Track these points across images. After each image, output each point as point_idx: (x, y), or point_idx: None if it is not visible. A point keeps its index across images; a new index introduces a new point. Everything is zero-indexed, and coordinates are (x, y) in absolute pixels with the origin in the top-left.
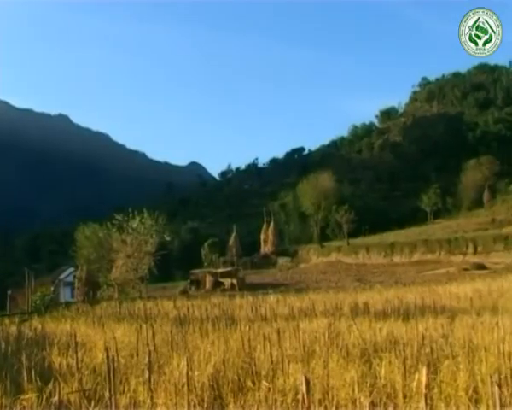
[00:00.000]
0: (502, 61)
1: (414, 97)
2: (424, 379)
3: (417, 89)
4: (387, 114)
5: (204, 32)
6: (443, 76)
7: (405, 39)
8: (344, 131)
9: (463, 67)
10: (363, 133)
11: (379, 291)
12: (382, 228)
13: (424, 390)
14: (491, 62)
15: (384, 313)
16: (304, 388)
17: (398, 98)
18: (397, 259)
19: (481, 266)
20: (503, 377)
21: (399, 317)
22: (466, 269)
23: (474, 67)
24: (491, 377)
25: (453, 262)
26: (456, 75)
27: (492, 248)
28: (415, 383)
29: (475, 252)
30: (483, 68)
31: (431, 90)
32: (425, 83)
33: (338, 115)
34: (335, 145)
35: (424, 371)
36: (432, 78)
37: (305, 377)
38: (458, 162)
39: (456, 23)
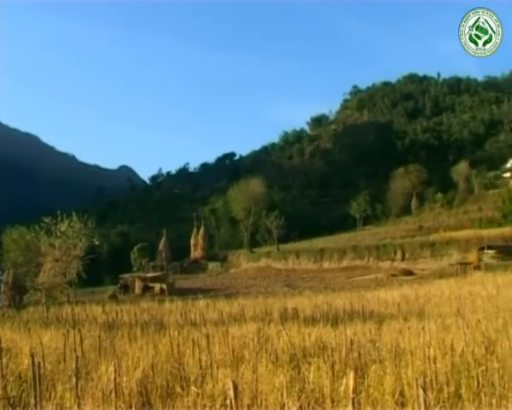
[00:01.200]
0: (430, 71)
1: (345, 105)
2: (352, 383)
3: (348, 97)
4: (318, 122)
5: (134, 35)
6: (373, 85)
7: (337, 48)
8: (275, 138)
9: (393, 76)
10: (293, 140)
11: (308, 297)
12: (312, 234)
13: (352, 394)
14: (420, 73)
15: (313, 318)
16: (232, 393)
17: (329, 106)
18: (326, 265)
19: (409, 272)
20: (428, 380)
21: (328, 322)
22: (394, 275)
23: (403, 76)
24: (416, 380)
25: (381, 268)
26: (387, 84)
27: (420, 254)
28: (342, 388)
29: (403, 258)
30: (412, 78)
31: (361, 99)
32: (356, 91)
33: (269, 121)
34: (266, 151)
35: (352, 375)
36: (362, 86)
37: (233, 382)
38: (387, 170)
39: (391, 33)
